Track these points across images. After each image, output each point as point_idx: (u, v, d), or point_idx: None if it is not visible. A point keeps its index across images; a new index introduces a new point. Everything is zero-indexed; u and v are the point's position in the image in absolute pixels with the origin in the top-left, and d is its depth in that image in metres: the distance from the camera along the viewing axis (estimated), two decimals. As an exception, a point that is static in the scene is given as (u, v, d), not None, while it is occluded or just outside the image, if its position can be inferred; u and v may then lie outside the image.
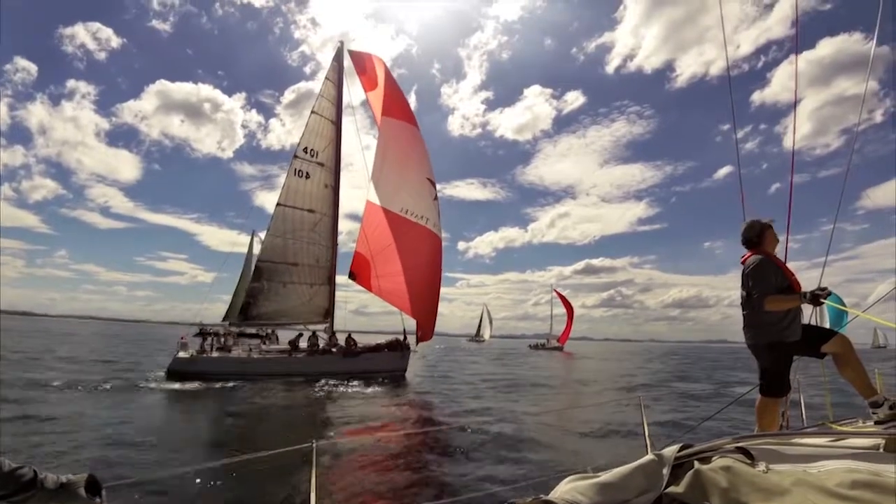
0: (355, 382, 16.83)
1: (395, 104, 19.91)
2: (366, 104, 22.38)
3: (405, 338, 20.30)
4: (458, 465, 8.04)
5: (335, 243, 21.04)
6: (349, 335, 20.87)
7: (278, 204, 19.24)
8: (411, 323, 19.95)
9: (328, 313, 20.80)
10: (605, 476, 1.45)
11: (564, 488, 1.43)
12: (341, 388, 15.41)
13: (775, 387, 3.31)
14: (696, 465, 1.50)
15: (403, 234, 18.74)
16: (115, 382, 14.26)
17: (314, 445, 2.57)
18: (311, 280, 19.98)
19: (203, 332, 19.25)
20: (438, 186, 20.58)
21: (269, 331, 21.28)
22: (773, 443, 1.79)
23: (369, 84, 20.87)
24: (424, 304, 19.59)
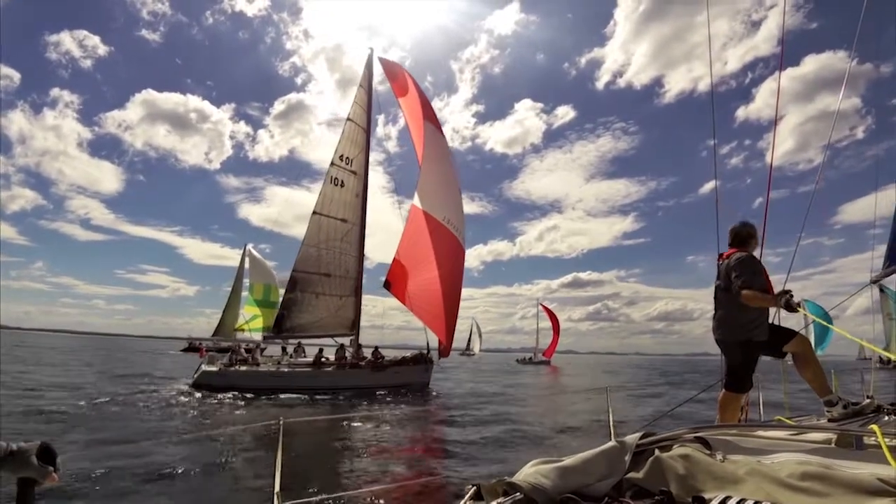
0: (383, 394, 16.73)
1: (431, 111, 19.61)
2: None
3: (428, 352, 20.20)
4: (428, 448, 8.05)
5: (362, 253, 20.58)
6: (376, 348, 20.73)
7: (314, 213, 18.71)
8: (433, 336, 19.53)
9: (354, 325, 20.27)
10: (568, 461, 1.49)
11: (528, 471, 1.46)
12: (390, 405, 14.85)
13: (739, 382, 3.45)
14: (657, 452, 1.56)
15: (442, 245, 18.11)
16: (149, 396, 13.40)
17: (281, 423, 2.57)
18: (340, 291, 19.44)
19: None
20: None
21: (297, 343, 20.60)
22: (731, 434, 1.87)
23: (400, 90, 20.56)
24: (449, 320, 19.20)
